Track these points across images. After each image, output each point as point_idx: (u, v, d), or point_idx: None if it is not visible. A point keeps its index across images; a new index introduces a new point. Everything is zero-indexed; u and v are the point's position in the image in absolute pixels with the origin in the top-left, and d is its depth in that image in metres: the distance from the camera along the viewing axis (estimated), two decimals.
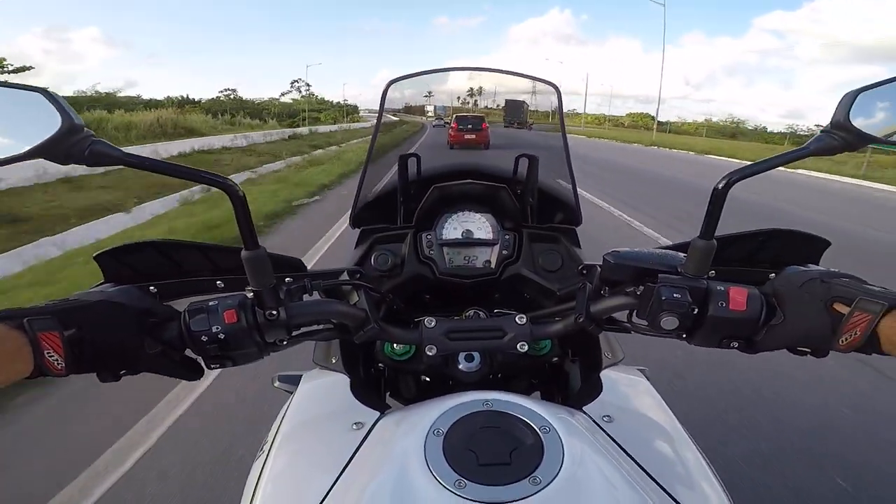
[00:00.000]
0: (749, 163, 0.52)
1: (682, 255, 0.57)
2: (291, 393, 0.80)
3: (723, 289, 0.53)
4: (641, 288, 0.57)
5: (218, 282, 0.66)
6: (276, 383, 0.91)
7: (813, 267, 0.57)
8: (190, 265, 0.65)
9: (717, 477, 0.55)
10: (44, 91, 0.45)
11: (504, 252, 0.88)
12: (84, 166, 0.45)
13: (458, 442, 0.49)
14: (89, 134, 0.44)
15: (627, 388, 0.72)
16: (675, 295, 0.53)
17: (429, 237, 0.89)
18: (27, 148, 0.43)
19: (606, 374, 0.72)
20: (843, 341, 0.48)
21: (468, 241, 0.90)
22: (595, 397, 0.65)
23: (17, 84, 0.45)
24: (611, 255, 0.60)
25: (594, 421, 0.60)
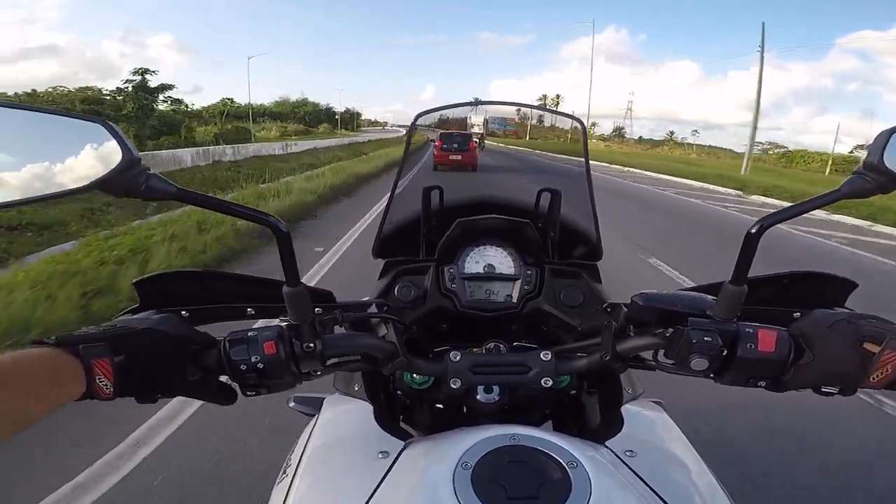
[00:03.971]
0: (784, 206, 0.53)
1: (709, 297, 0.59)
2: (308, 415, 0.80)
3: (751, 331, 0.55)
4: (671, 330, 0.58)
5: (249, 309, 0.67)
6: (292, 404, 0.90)
7: (839, 309, 0.59)
8: (222, 293, 0.66)
9: None
10: (104, 122, 0.45)
11: (526, 287, 0.89)
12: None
13: (486, 476, 0.50)
14: (145, 168, 0.45)
15: (648, 423, 0.73)
16: (705, 338, 0.54)
17: (451, 271, 0.89)
18: (89, 181, 0.43)
19: (627, 409, 0.72)
20: (874, 378, 0.50)
21: (490, 276, 0.90)
22: (617, 432, 0.66)
23: (78, 114, 0.46)
24: (640, 297, 0.61)
25: (617, 456, 0.61)
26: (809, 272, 0.70)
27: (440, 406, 0.88)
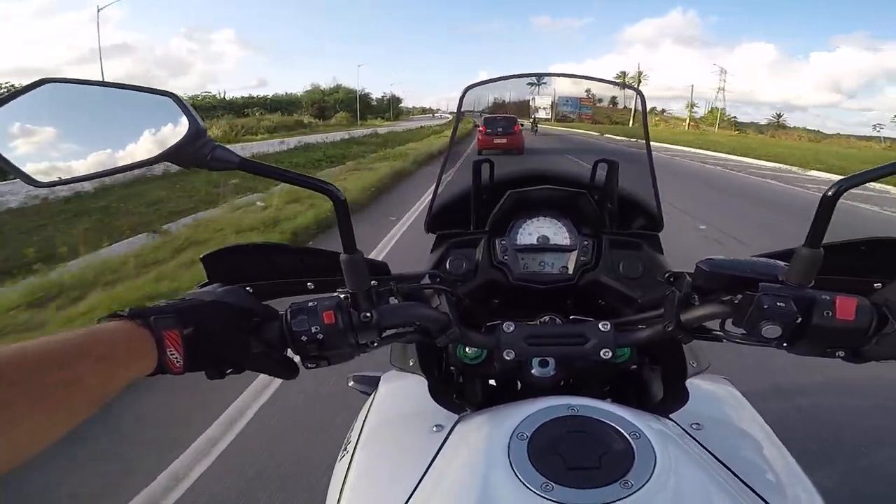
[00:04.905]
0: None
1: (781, 263, 0.55)
2: (366, 393, 0.81)
3: (829, 298, 0.51)
4: (739, 297, 0.55)
5: (308, 283, 0.68)
6: (351, 383, 0.92)
7: None
8: (283, 266, 0.67)
9: (815, 486, 0.54)
10: (173, 95, 0.46)
11: (583, 258, 0.87)
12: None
13: (543, 446, 0.49)
14: (210, 139, 0.46)
15: (715, 397, 0.70)
16: (778, 304, 0.51)
17: (503, 243, 0.88)
18: (159, 151, 0.45)
19: (692, 383, 0.70)
20: None
21: (544, 247, 0.88)
22: (682, 406, 0.64)
23: (148, 88, 0.47)
24: (705, 263, 0.59)
25: (683, 428, 0.59)
26: (890, 238, 0.64)
27: (494, 383, 0.87)
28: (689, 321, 0.60)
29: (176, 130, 0.45)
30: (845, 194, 0.48)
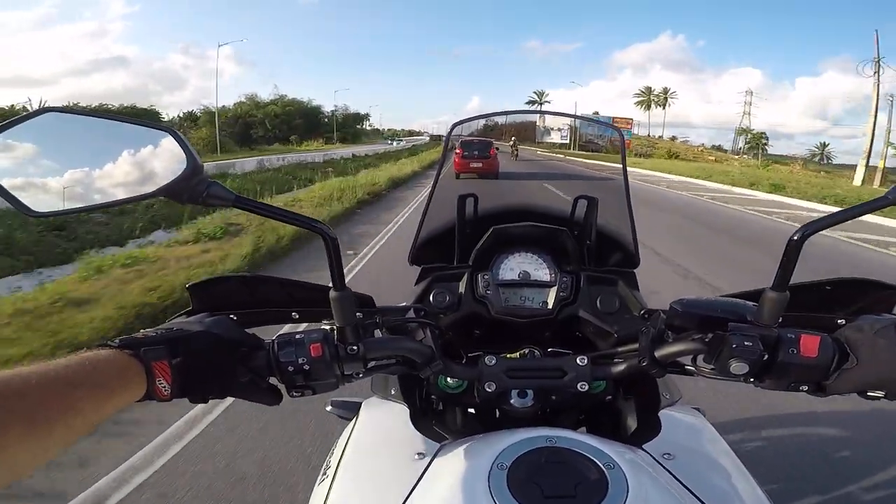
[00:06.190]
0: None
1: (751, 304, 0.59)
2: (345, 418, 0.82)
3: (794, 336, 0.54)
4: (710, 335, 0.58)
5: (293, 313, 0.69)
6: (329, 408, 0.92)
7: (887, 315, 0.58)
8: (268, 296, 0.68)
9: None
10: (173, 132, 0.48)
11: (562, 294, 0.89)
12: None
13: (522, 476, 0.50)
14: (206, 176, 0.48)
15: (687, 428, 0.73)
16: (746, 343, 0.54)
17: (486, 277, 0.90)
18: (156, 187, 0.46)
19: (664, 414, 0.72)
20: None
21: (525, 283, 0.91)
22: (654, 436, 0.66)
23: (150, 122, 0.49)
24: (679, 303, 0.62)
25: (655, 458, 0.61)
26: (854, 279, 0.68)
27: (473, 412, 0.89)
28: (662, 356, 0.63)
29: (173, 167, 0.47)
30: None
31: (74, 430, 0.39)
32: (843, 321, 0.60)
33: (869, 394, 0.55)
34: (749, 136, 55.27)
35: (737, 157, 51.21)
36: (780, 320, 0.55)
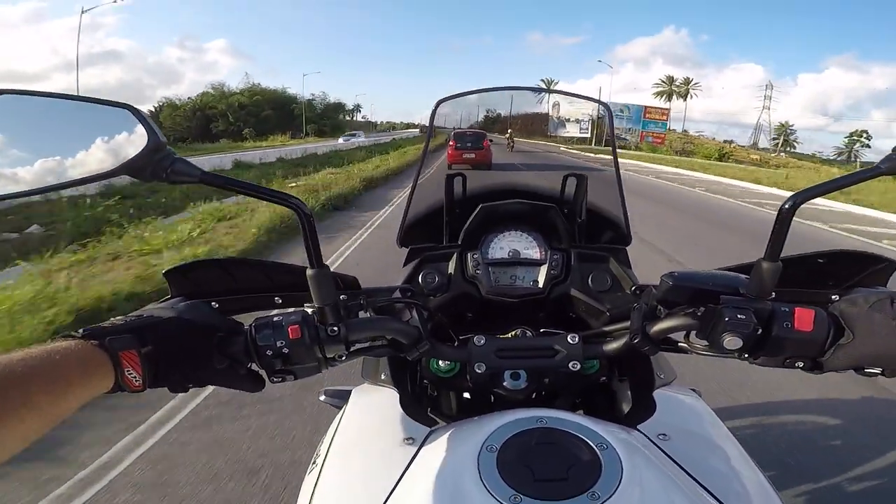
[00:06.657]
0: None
1: (742, 276, 0.57)
2: (338, 407, 0.80)
3: (788, 310, 0.53)
4: (702, 309, 0.57)
5: (276, 298, 0.67)
6: (322, 397, 0.91)
7: (882, 288, 0.56)
8: (250, 282, 0.66)
9: (779, 496, 0.55)
10: (129, 107, 0.46)
11: (552, 272, 0.87)
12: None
13: (512, 458, 0.49)
14: (171, 152, 0.45)
15: (682, 408, 0.72)
16: (739, 316, 0.52)
17: (475, 257, 0.88)
18: (115, 165, 0.44)
19: (660, 394, 0.71)
20: None
21: (515, 261, 0.89)
22: (649, 416, 0.65)
23: (105, 100, 0.46)
24: (669, 276, 0.60)
25: (650, 439, 0.60)
26: (847, 251, 0.66)
27: (468, 396, 0.87)
28: (654, 333, 0.61)
29: (135, 143, 0.44)
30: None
31: (30, 428, 0.37)
32: (836, 296, 0.58)
33: (866, 370, 0.53)
34: (778, 132, 52.06)
35: (773, 154, 48.11)
36: (773, 295, 0.54)
